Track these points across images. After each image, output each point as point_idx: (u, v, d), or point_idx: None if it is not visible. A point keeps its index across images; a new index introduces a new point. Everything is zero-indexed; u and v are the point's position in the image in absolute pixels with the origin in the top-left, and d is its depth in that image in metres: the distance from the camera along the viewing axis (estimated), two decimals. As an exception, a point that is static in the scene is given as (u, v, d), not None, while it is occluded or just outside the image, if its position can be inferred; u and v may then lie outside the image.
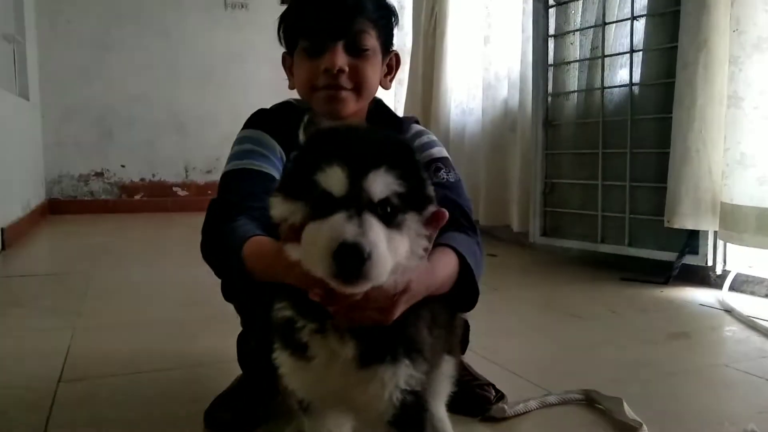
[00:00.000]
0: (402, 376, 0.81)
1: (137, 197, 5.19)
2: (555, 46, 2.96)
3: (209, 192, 5.29)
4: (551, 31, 2.96)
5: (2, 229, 3.18)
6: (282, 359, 0.83)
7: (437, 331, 0.94)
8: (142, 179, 5.21)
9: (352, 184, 0.68)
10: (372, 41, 1.15)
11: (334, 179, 0.69)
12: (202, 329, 1.77)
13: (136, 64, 5.08)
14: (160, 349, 1.62)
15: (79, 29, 4.92)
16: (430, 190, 0.78)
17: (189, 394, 1.32)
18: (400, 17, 4.26)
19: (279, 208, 0.74)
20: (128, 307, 2.11)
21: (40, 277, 2.61)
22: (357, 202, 0.68)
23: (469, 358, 1.35)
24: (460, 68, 3.91)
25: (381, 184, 0.69)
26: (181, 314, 1.98)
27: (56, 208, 4.87)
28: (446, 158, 1.21)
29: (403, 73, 4.41)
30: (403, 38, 4.51)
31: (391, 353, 0.80)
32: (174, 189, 5.30)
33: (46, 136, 4.86)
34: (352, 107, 1.16)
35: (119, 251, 3.37)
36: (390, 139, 0.79)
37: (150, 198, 5.21)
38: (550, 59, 2.97)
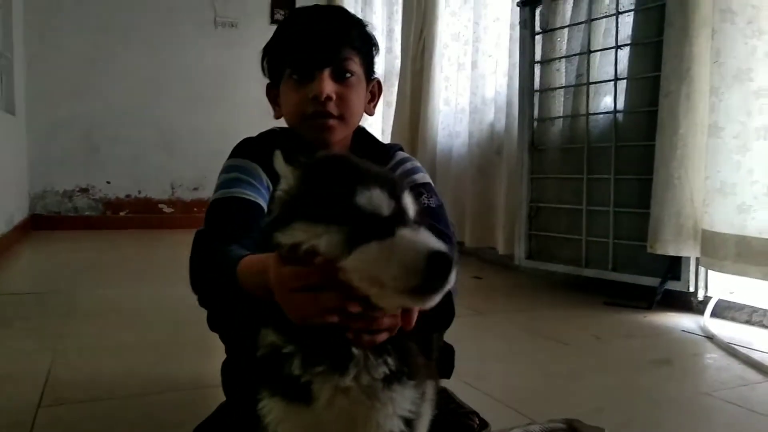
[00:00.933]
0: (409, 399, 0.81)
1: (122, 214, 5.15)
2: (541, 73, 3.00)
3: (195, 209, 5.27)
4: (538, 57, 3.00)
5: (-16, 245, 3.14)
6: (272, 405, 0.78)
7: (421, 353, 0.95)
8: (128, 196, 5.18)
9: (395, 204, 0.72)
10: (356, 67, 1.18)
11: (379, 200, 0.71)
12: (186, 352, 1.76)
13: (123, 81, 5.07)
14: (142, 372, 1.60)
15: (67, 45, 4.91)
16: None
17: (172, 419, 1.31)
18: (389, 40, 4.33)
19: (301, 234, 0.72)
20: (111, 328, 2.09)
21: (21, 296, 2.58)
22: (407, 216, 0.72)
23: (454, 384, 1.35)
24: (447, 91, 3.96)
25: (411, 201, 0.75)
26: (164, 336, 1.96)
27: (40, 223, 4.82)
28: (429, 184, 1.24)
29: (392, 96, 4.45)
30: (392, 61, 4.56)
31: (398, 375, 0.79)
32: (160, 206, 5.26)
33: (31, 151, 4.82)
34: (340, 135, 1.19)
35: (103, 270, 3.33)
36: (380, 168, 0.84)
37: (135, 215, 5.17)
38: (537, 85, 3.01)
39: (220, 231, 1.07)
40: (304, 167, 0.79)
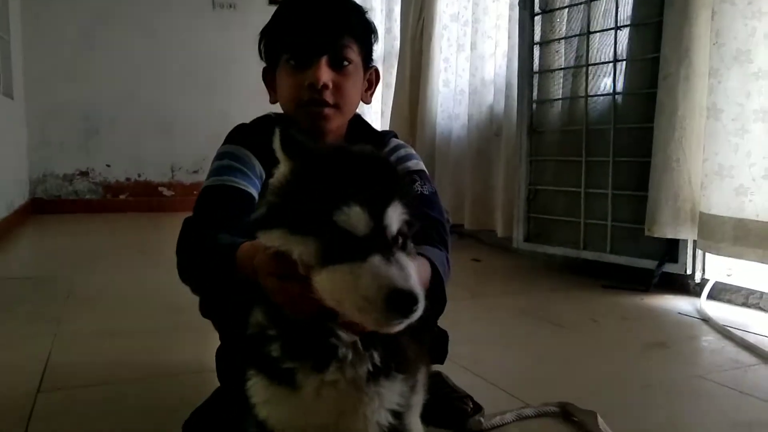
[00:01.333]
0: (397, 393, 0.82)
1: (122, 197, 5.17)
2: (540, 54, 2.98)
3: (195, 192, 5.21)
4: (537, 38, 2.98)
5: (-16, 230, 3.16)
6: (258, 387, 0.79)
7: (413, 342, 0.95)
8: (128, 179, 5.19)
9: (374, 223, 0.68)
10: (354, 56, 1.17)
11: (356, 219, 0.68)
12: (183, 336, 1.77)
13: (122, 63, 5.05)
14: (140, 357, 1.62)
15: (64, 28, 4.88)
16: (412, 197, 0.81)
17: (169, 404, 1.33)
18: (388, 21, 4.27)
19: (279, 241, 0.73)
20: (109, 313, 2.11)
21: (21, 280, 2.60)
22: (383, 241, 0.68)
23: (449, 368, 1.36)
24: (447, 73, 3.93)
25: (396, 217, 0.70)
26: (162, 321, 1.97)
27: (40, 207, 4.83)
28: (422, 171, 1.24)
29: (391, 77, 4.42)
30: (391, 42, 4.52)
31: (385, 369, 0.79)
32: (160, 189, 5.28)
33: (30, 135, 4.83)
34: (336, 123, 1.18)
35: (102, 253, 3.35)
36: (382, 162, 0.80)
37: (135, 198, 5.19)
38: (536, 66, 2.99)
39: (209, 219, 1.07)
40: (299, 161, 0.76)
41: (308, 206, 0.71)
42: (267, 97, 1.28)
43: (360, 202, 0.68)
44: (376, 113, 4.81)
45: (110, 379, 1.47)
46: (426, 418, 1.07)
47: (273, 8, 1.24)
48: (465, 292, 2.41)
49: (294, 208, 0.73)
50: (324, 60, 1.12)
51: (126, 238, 4.02)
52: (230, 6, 5.32)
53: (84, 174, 5.06)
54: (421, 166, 1.25)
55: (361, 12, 1.21)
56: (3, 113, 4.04)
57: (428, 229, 1.11)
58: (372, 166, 0.76)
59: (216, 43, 5.28)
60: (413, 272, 0.69)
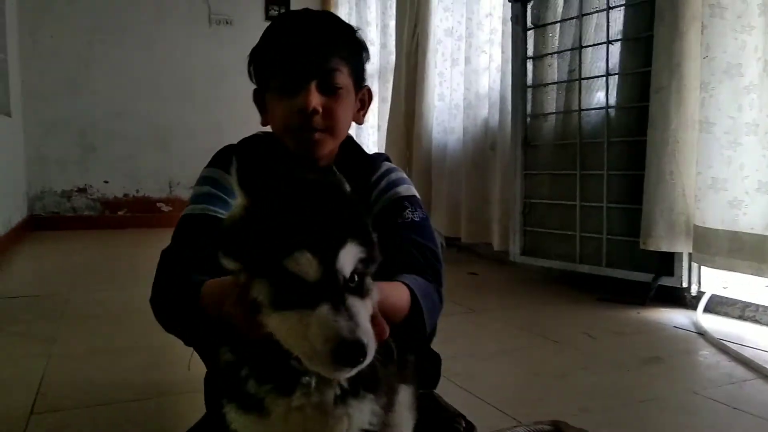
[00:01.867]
0: (368, 412, 0.82)
1: (121, 213, 5.17)
2: (534, 68, 3.00)
3: (193, 207, 5.28)
4: (530, 53, 3.00)
5: (-19, 248, 3.16)
6: (233, 415, 0.80)
7: (389, 364, 0.95)
8: (126, 195, 5.20)
9: (324, 268, 0.68)
10: (345, 79, 1.15)
11: (306, 265, 0.68)
12: (177, 356, 1.75)
13: (118, 79, 5.08)
14: (134, 377, 1.62)
15: (61, 44, 4.91)
16: (371, 233, 0.79)
17: (161, 426, 1.33)
18: (384, 36, 4.29)
19: (233, 267, 0.74)
20: (104, 331, 2.11)
21: (17, 299, 2.59)
22: (334, 286, 0.68)
23: (444, 385, 1.36)
24: (441, 87, 3.95)
25: (350, 259, 0.70)
26: (155, 339, 1.92)
27: (39, 224, 4.84)
28: (413, 196, 1.21)
29: (387, 92, 4.45)
30: (387, 57, 4.55)
31: (353, 390, 0.80)
32: (158, 204, 5.28)
33: (28, 152, 4.84)
34: (327, 148, 1.16)
35: (99, 271, 3.35)
36: (337, 197, 0.78)
37: (134, 213, 5.19)
38: (529, 80, 3.01)
39: (183, 255, 1.06)
40: (253, 197, 0.75)
41: (260, 249, 0.70)
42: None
43: (310, 248, 0.67)
44: (373, 127, 4.83)
45: (103, 400, 1.46)
46: (417, 437, 1.07)
47: (269, 23, 1.23)
48: (461, 307, 2.41)
49: (247, 247, 0.72)
50: (313, 85, 1.10)
51: (124, 254, 4.02)
52: (227, 22, 5.36)
53: (82, 190, 5.07)
54: (413, 191, 1.23)
55: (351, 32, 1.19)
56: (1, 131, 4.05)
57: (415, 258, 1.10)
58: (327, 202, 0.75)
59: (212, 59, 5.30)
60: (364, 319, 0.68)
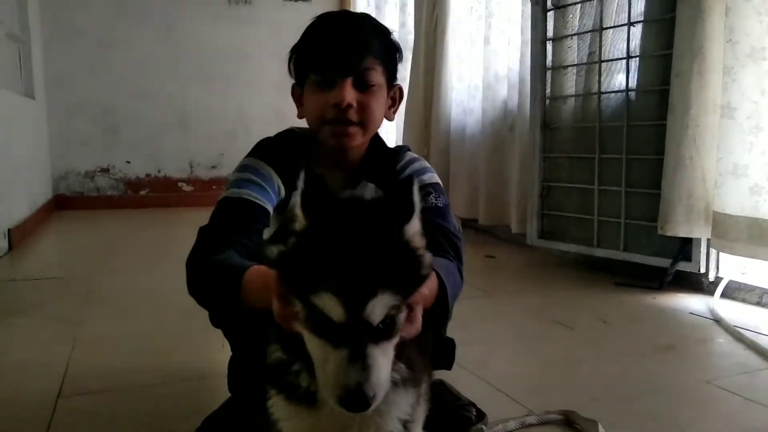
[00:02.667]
0: (407, 404, 0.85)
1: (143, 193, 5.26)
2: (553, 50, 2.96)
3: (214, 187, 5.35)
4: (549, 34, 2.96)
5: (9, 229, 3.24)
6: (279, 405, 0.84)
7: (420, 355, 0.97)
8: (148, 175, 5.27)
9: (350, 314, 0.69)
10: (378, 77, 1.22)
11: (330, 307, 0.70)
12: (201, 340, 1.80)
13: (139, 61, 5.12)
14: (159, 362, 1.67)
15: (82, 27, 4.96)
16: (425, 266, 0.79)
17: (183, 410, 1.37)
18: (402, 15, 4.29)
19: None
20: (129, 315, 2.16)
21: (43, 281, 2.67)
22: (358, 333, 0.70)
23: (456, 372, 1.38)
24: (460, 67, 3.92)
25: (380, 309, 0.70)
26: (179, 323, 2.01)
27: (63, 204, 4.94)
28: (437, 184, 1.28)
29: (405, 71, 4.42)
30: (405, 36, 4.51)
31: (402, 383, 0.83)
32: (179, 184, 5.35)
33: (51, 133, 4.92)
34: (358, 141, 1.24)
35: (123, 252, 3.42)
36: (388, 238, 0.76)
37: (155, 193, 5.27)
38: (549, 62, 2.98)
39: (222, 233, 1.11)
40: (310, 224, 0.77)
41: (300, 276, 0.73)
42: (281, 92, 1.33)
43: (338, 292, 0.69)
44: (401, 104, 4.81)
45: (129, 384, 1.51)
46: (430, 426, 1.10)
47: (288, 4, 1.29)
48: (478, 291, 2.43)
49: (291, 268, 0.75)
50: (349, 81, 1.17)
51: (147, 234, 4.09)
52: (246, 2, 5.35)
53: (105, 171, 5.15)
54: (436, 179, 1.29)
55: (386, 34, 1.26)
56: (25, 113, 4.13)
57: (437, 240, 1.15)
58: (375, 246, 0.74)
59: (232, 39, 5.32)
60: (380, 369, 0.70)
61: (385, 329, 0.73)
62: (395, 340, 0.75)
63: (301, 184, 0.78)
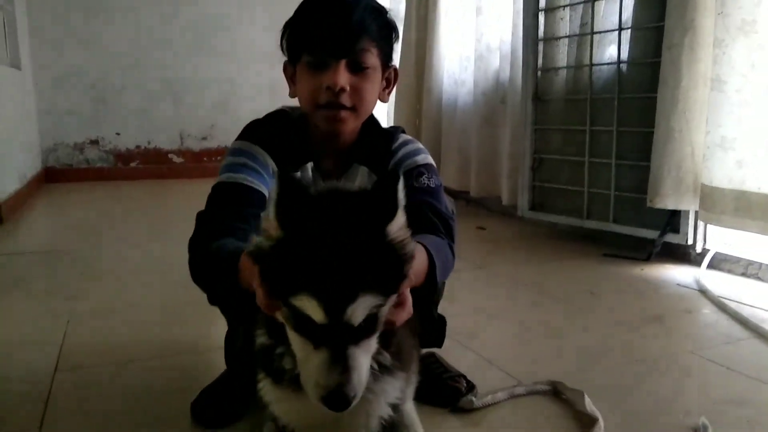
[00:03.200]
0: (398, 388, 0.88)
1: (133, 164, 5.22)
2: (545, 21, 2.95)
3: (204, 159, 5.33)
4: (542, 5, 2.94)
5: (-1, 203, 3.23)
6: (268, 388, 0.86)
7: (410, 336, 1.00)
8: (138, 146, 5.23)
9: (331, 316, 0.70)
10: (373, 59, 1.19)
11: (311, 310, 0.70)
12: (196, 313, 1.82)
13: (127, 30, 5.04)
14: (155, 335, 1.69)
15: (68, -5, 4.86)
16: (408, 261, 0.79)
17: (180, 383, 1.39)
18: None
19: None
20: (123, 288, 2.18)
21: (35, 254, 2.67)
22: (338, 335, 0.71)
23: (446, 344, 1.41)
24: (452, 38, 3.89)
25: (361, 311, 0.71)
26: (173, 296, 2.03)
27: (53, 176, 4.91)
28: (429, 164, 1.28)
29: (397, 43, 4.37)
30: (396, 6, 4.46)
31: (387, 369, 0.85)
32: (169, 156, 5.32)
33: (39, 105, 4.86)
34: (351, 126, 1.23)
35: (115, 225, 3.42)
36: (370, 238, 0.75)
37: (146, 165, 5.24)
38: (540, 34, 2.96)
39: (220, 218, 1.12)
40: (287, 232, 0.76)
41: (279, 278, 0.74)
42: (273, 61, 1.30)
43: (318, 295, 0.69)
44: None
45: (125, 358, 1.53)
46: (420, 398, 1.13)
47: None
48: (469, 263, 2.46)
49: (271, 269, 0.75)
50: (342, 64, 1.15)
51: (138, 206, 4.09)
52: (235, -30, 5.25)
53: (94, 142, 5.11)
54: (429, 160, 1.29)
55: (382, 14, 1.22)
56: (11, 85, 4.07)
57: (430, 219, 1.17)
58: (356, 247, 0.73)
59: (221, 9, 5.24)
60: (360, 369, 0.72)
61: (367, 327, 0.74)
62: (378, 333, 0.77)
63: (273, 192, 0.77)
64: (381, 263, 0.74)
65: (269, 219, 0.77)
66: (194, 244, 1.11)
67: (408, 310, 0.82)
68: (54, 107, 4.92)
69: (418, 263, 1.03)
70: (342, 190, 0.87)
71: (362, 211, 0.77)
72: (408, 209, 1.18)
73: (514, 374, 1.42)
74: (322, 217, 0.76)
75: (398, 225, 0.78)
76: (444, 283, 1.26)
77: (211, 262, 1.03)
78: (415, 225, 1.12)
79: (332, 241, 0.73)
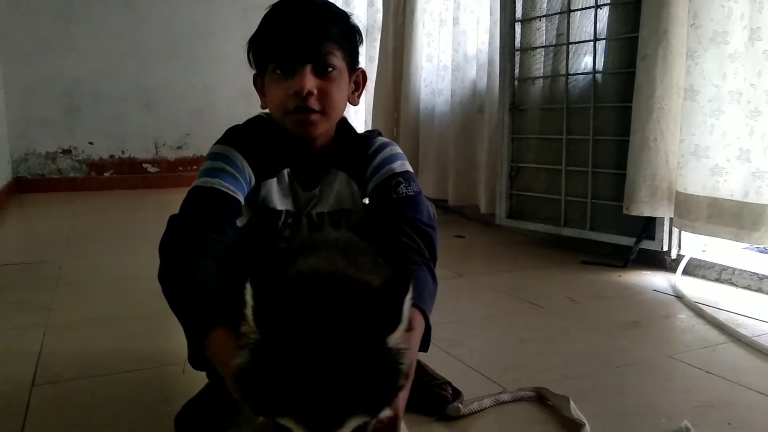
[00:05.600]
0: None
1: (107, 174, 5.15)
2: (522, 31, 2.99)
3: (180, 168, 5.27)
4: (518, 15, 2.99)
5: (-31, 214, 3.15)
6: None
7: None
8: (112, 156, 5.16)
9: None
10: (338, 62, 1.21)
11: (297, 430, 0.65)
12: (176, 324, 1.77)
13: (101, 37, 4.98)
14: (133, 347, 1.66)
15: (39, 0, 4.78)
16: (404, 374, 0.73)
17: (162, 395, 1.37)
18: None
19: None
20: (100, 299, 2.14)
21: (10, 267, 2.61)
22: None
23: (431, 352, 1.40)
24: (430, 47, 3.92)
25: (348, 430, 0.66)
26: (151, 306, 1.97)
27: (24, 186, 4.81)
28: (407, 172, 1.29)
29: (374, 51, 4.41)
30: (374, 15, 4.49)
31: None
32: (144, 166, 5.26)
33: (10, 114, 4.76)
34: (322, 129, 1.23)
35: (90, 235, 3.37)
36: (359, 347, 0.68)
37: (120, 175, 5.17)
38: (517, 44, 3.00)
39: (195, 227, 1.13)
40: (267, 337, 0.69)
41: (262, 399, 0.68)
42: (249, 72, 1.32)
43: (302, 422, 0.64)
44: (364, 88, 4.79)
45: (103, 371, 1.50)
46: (406, 406, 1.13)
47: None
48: (449, 271, 2.47)
49: (252, 388, 0.70)
50: (308, 68, 1.17)
51: (113, 217, 4.02)
52: (211, -23, 5.23)
53: (67, 152, 5.02)
54: (406, 167, 1.30)
55: (344, 17, 1.25)
56: (-18, 93, 3.99)
57: (413, 240, 1.18)
58: (345, 365, 0.66)
59: (196, 16, 5.21)
60: None
61: None
62: None
63: (249, 299, 0.70)
64: (375, 379, 0.67)
65: (248, 323, 0.71)
66: (167, 252, 1.11)
67: (399, 415, 0.82)
68: (25, 116, 4.83)
69: (417, 335, 1.04)
70: (335, 280, 0.78)
71: (359, 315, 0.69)
72: (388, 227, 1.19)
73: (498, 381, 1.43)
74: (310, 319, 0.67)
75: (399, 333, 0.71)
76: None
77: (182, 301, 1.06)
78: (399, 247, 1.15)
79: (320, 353, 0.65)
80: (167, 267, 1.10)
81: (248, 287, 0.70)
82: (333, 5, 1.28)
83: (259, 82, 1.29)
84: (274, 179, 1.28)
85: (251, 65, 1.28)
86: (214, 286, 1.05)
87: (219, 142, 1.27)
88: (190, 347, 1.08)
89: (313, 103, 1.18)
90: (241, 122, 1.34)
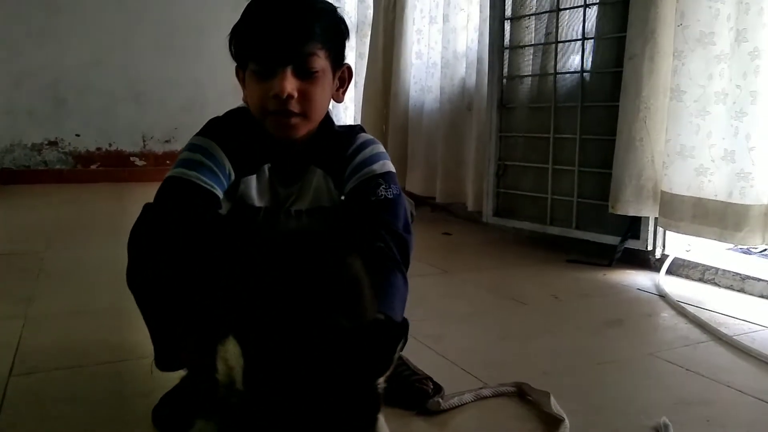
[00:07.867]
0: None
1: (93, 167, 5.11)
2: (511, 29, 2.99)
3: (168, 162, 5.23)
4: (508, 13, 2.99)
5: (-49, 204, 3.11)
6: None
7: None
8: (98, 149, 5.12)
9: None
10: (321, 62, 1.17)
11: None
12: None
13: (89, 28, 4.94)
14: (112, 338, 1.65)
15: (28, -9, 4.74)
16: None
17: (140, 387, 1.36)
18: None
19: None
20: (81, 291, 2.12)
21: (-9, 257, 2.59)
22: None
23: (414, 346, 1.42)
24: (419, 44, 3.92)
25: None
26: (134, 300, 1.98)
27: (9, 178, 4.77)
28: (388, 173, 1.25)
29: (364, 47, 4.40)
30: (364, 11, 4.48)
31: None
32: (131, 159, 5.22)
33: (-5, 104, 4.72)
34: (302, 131, 1.20)
35: (74, 227, 3.34)
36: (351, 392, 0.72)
37: (107, 168, 5.13)
38: (506, 42, 3.01)
39: (167, 225, 1.10)
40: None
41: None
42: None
43: None
44: (350, 84, 4.78)
45: (83, 362, 1.49)
46: (387, 400, 1.12)
47: None
48: (435, 268, 2.46)
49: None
50: (289, 70, 1.13)
51: (98, 210, 3.99)
52: (201, -30, 5.20)
53: (53, 144, 4.98)
54: (388, 167, 1.26)
55: (328, 13, 1.19)
56: (-34, 82, 3.95)
57: (386, 243, 1.16)
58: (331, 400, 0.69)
59: (185, 9, 5.17)
60: None
61: None
62: None
63: (234, 360, 0.72)
64: (356, 416, 0.71)
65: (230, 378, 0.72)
66: (137, 251, 1.11)
67: None
68: (11, 107, 4.78)
69: None
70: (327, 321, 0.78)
71: (350, 358, 0.72)
72: (364, 230, 1.18)
73: (480, 376, 1.43)
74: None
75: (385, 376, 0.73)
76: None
77: (156, 307, 1.07)
78: (373, 251, 1.13)
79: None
80: (137, 270, 1.08)
81: (229, 345, 0.72)
82: (317, 2, 1.20)
83: (240, 74, 1.24)
84: (254, 176, 1.25)
85: (233, 57, 1.23)
86: (185, 292, 1.02)
87: (200, 134, 1.24)
88: (157, 351, 1.06)
89: (294, 106, 1.14)
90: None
